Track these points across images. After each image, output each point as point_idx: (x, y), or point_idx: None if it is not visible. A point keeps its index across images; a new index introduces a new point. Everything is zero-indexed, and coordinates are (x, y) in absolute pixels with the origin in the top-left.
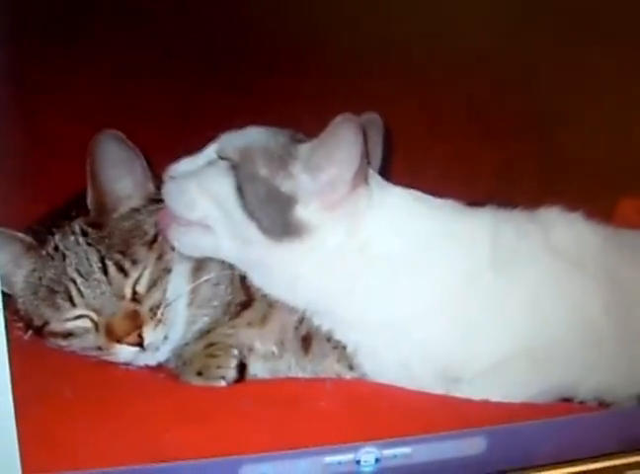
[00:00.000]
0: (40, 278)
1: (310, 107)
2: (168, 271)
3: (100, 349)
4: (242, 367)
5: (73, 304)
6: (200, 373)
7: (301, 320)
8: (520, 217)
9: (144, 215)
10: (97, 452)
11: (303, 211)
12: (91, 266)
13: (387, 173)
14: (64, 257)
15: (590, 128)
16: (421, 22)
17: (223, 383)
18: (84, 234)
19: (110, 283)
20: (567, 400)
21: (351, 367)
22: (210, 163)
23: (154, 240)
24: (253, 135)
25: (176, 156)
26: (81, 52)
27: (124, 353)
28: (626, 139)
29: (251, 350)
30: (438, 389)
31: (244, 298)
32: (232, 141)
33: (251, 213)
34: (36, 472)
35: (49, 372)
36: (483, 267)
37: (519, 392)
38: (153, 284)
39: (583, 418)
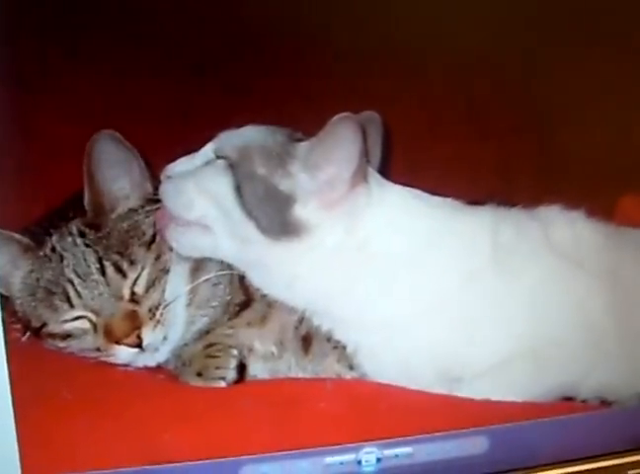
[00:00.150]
0: (38, 280)
1: (310, 106)
2: (166, 271)
3: (98, 350)
4: (242, 368)
5: (71, 305)
6: (199, 374)
7: (301, 320)
8: (520, 216)
9: (142, 216)
10: (96, 454)
11: (302, 210)
12: (89, 267)
13: (387, 171)
14: (62, 258)
15: (590, 127)
16: (420, 21)
17: (223, 384)
18: (81, 235)
19: (108, 284)
20: (569, 399)
21: (351, 367)
22: (208, 162)
23: (152, 240)
24: (251, 134)
25: (174, 156)
26: (79, 53)
27: (123, 354)
28: (626, 137)
29: (251, 350)
30: (438, 389)
31: (243, 298)
32: (230, 140)
33: (249, 212)
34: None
35: (48, 374)
36: (483, 265)
37: (520, 391)
38: (152, 285)
39: (585, 417)
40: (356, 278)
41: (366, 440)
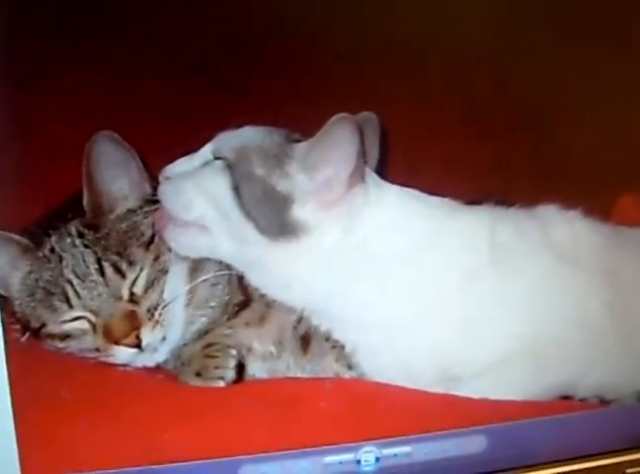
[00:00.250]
0: (37, 280)
1: (308, 106)
2: (165, 271)
3: (98, 350)
4: (241, 368)
5: (70, 306)
6: (198, 374)
7: (299, 320)
8: (518, 215)
9: (141, 216)
10: (96, 454)
11: (300, 211)
12: (87, 267)
13: (384, 171)
14: (61, 258)
15: (588, 127)
16: (419, 22)
17: (222, 384)
18: (80, 236)
19: (107, 285)
20: (567, 398)
21: (349, 367)
22: (206, 163)
23: (151, 241)
24: (249, 135)
25: (172, 157)
26: (79, 53)
27: (122, 354)
28: (624, 137)
29: (249, 350)
30: (437, 388)
31: (242, 298)
32: (228, 141)
33: (248, 213)
34: None
35: (47, 374)
36: (482, 265)
37: (519, 390)
38: (150, 285)
39: (583, 415)
40: (354, 278)
41: (365, 440)
